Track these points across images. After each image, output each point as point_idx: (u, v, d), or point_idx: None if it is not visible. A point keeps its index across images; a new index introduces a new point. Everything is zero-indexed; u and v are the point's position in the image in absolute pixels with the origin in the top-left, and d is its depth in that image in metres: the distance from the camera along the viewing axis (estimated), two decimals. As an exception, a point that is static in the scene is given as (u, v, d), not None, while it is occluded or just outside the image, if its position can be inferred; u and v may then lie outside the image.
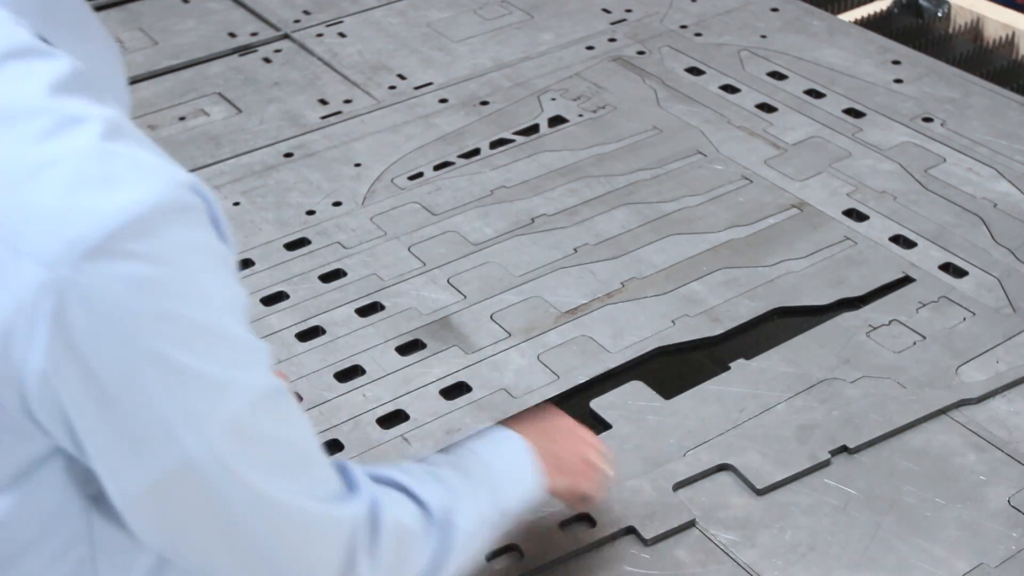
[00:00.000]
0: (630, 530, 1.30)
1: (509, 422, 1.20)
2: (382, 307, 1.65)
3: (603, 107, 2.08)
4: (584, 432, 1.24)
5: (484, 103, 2.12)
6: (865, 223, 1.76)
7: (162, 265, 0.76)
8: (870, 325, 1.57)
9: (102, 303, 0.74)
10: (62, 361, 0.75)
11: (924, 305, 1.60)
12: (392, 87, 2.19)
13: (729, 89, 2.12)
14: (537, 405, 1.32)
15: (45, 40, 0.82)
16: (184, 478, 0.80)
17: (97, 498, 0.85)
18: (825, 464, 1.37)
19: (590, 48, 2.27)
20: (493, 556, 1.28)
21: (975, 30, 2.40)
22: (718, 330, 1.58)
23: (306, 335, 1.61)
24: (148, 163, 0.78)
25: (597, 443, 1.24)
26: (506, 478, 1.10)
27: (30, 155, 0.75)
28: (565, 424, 1.24)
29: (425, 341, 1.58)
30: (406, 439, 1.43)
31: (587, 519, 1.31)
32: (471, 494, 1.05)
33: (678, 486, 1.35)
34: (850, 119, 2.01)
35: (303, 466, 0.87)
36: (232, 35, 2.39)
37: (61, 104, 0.77)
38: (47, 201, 0.74)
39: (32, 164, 0.75)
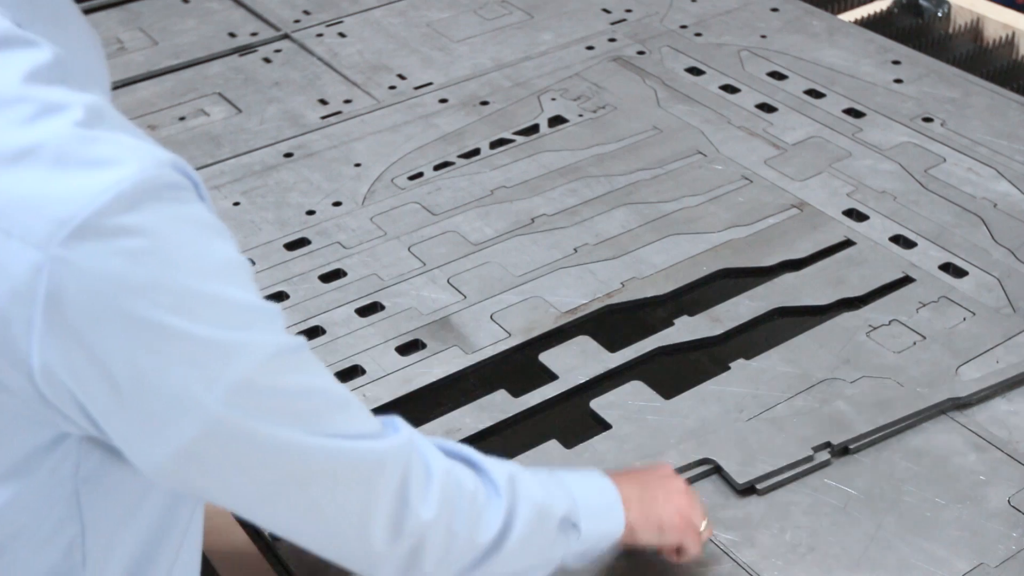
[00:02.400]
0: (630, 530, 1.30)
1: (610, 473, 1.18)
2: (382, 307, 1.65)
3: (603, 107, 2.08)
4: (682, 485, 1.21)
5: (484, 103, 2.12)
6: (865, 223, 1.76)
7: (151, 237, 0.76)
8: (870, 325, 1.57)
9: (95, 279, 0.75)
10: (63, 344, 0.75)
11: (924, 305, 1.60)
12: (392, 87, 2.19)
13: (729, 89, 2.11)
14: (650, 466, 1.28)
15: (23, 27, 0.82)
16: (205, 443, 0.81)
17: (88, 479, 0.86)
18: (825, 464, 1.37)
19: (590, 48, 2.27)
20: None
21: (975, 30, 2.40)
22: (718, 330, 1.58)
23: (306, 335, 1.60)
24: (130, 145, 0.78)
25: (693, 500, 1.21)
26: (583, 499, 1.08)
27: (12, 140, 0.76)
28: (662, 473, 1.22)
29: (425, 341, 1.58)
30: (406, 439, 1.44)
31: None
32: (541, 485, 1.03)
33: (678, 486, 1.35)
34: (850, 119, 2.01)
35: (329, 410, 0.88)
36: (232, 35, 2.39)
37: (40, 92, 0.78)
38: (32, 184, 0.75)
39: (14, 149, 0.76)
